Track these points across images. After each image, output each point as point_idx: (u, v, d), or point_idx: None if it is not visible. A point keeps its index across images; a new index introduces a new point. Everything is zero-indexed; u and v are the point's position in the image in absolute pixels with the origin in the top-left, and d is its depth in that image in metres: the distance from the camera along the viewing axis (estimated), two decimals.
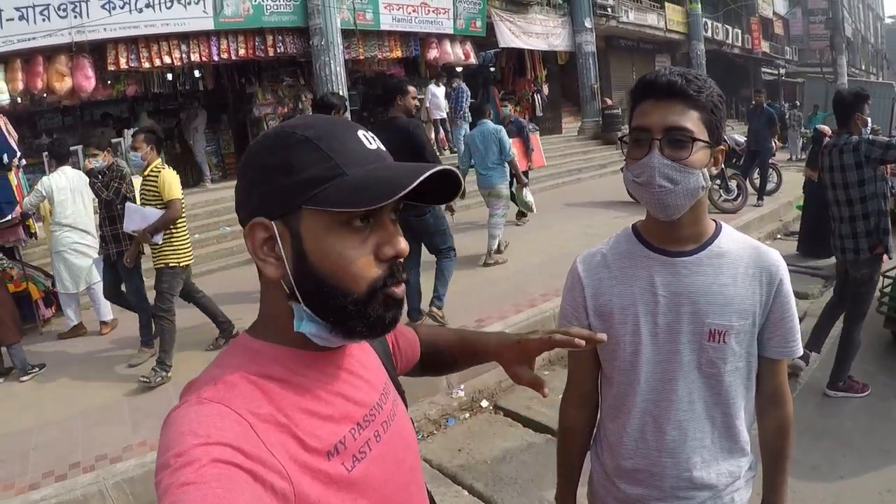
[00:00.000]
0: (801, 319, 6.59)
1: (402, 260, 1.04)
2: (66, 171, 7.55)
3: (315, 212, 0.97)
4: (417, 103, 8.94)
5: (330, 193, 0.96)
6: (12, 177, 7.86)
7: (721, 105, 1.62)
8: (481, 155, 8.93)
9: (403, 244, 1.02)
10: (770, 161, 12.49)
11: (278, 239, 1.00)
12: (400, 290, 1.04)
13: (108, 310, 7.67)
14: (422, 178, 0.93)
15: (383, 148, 1.06)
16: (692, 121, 1.56)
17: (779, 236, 11.19)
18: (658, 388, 1.72)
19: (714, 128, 1.60)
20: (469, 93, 14.67)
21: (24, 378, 6.41)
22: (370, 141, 1.04)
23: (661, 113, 1.56)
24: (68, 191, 7.39)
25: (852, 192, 4.92)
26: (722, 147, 1.66)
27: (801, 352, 1.75)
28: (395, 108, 6.53)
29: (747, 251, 1.71)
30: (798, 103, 30.79)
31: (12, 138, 8.01)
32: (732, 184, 11.48)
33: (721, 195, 11.46)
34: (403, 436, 1.19)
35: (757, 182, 12.41)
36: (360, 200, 0.94)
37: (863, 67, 50.12)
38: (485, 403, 5.61)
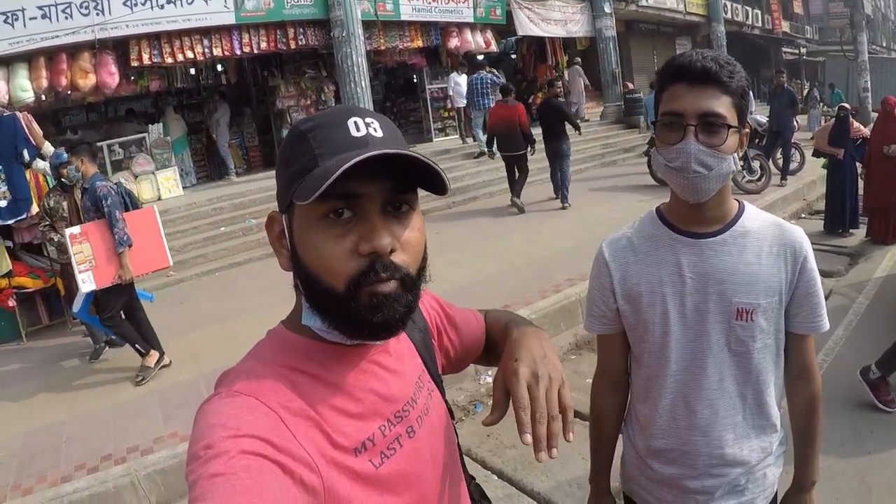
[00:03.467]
0: (826, 298, 6.65)
1: (391, 258, 0.98)
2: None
3: (300, 205, 0.96)
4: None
5: (301, 186, 0.95)
6: (29, 175, 7.96)
7: (748, 89, 1.62)
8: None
9: (384, 240, 0.96)
10: (792, 140, 12.37)
11: (286, 231, 1.03)
12: (386, 287, 0.97)
13: None
14: (345, 167, 0.88)
15: (378, 133, 1.00)
16: (725, 106, 1.56)
17: (803, 215, 11.15)
18: (688, 368, 1.73)
19: (742, 112, 1.61)
20: (497, 81, 14.49)
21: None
22: (360, 127, 0.99)
23: (695, 98, 1.56)
24: None
25: None
26: (747, 130, 1.66)
27: (827, 326, 1.74)
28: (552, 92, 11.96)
29: (771, 229, 1.71)
30: (818, 82, 30.44)
31: (37, 134, 8.08)
32: (756, 164, 11.36)
33: (745, 176, 11.35)
34: (438, 429, 1.18)
35: (780, 162, 12.30)
36: (308, 192, 0.91)
37: (884, 45, 49.23)
38: None
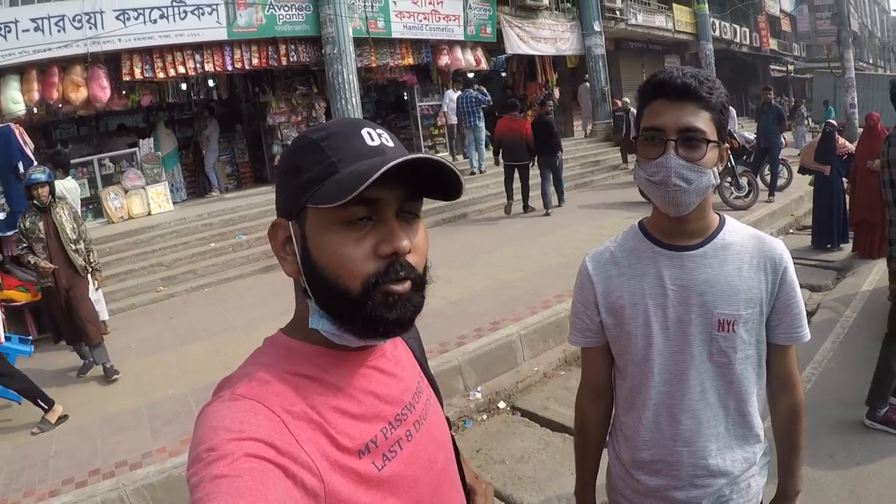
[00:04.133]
0: (813, 312, 6.74)
1: (406, 259, 1.02)
2: (68, 182, 7.66)
3: (316, 210, 0.99)
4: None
5: (322, 191, 0.98)
6: None
7: (728, 105, 1.66)
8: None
9: (404, 242, 1.01)
10: (780, 157, 12.46)
11: (293, 238, 1.05)
12: (401, 287, 1.02)
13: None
14: (384, 170, 0.91)
15: (390, 143, 1.06)
16: (704, 121, 1.59)
17: (791, 231, 11.24)
18: (671, 379, 1.75)
19: (722, 127, 1.65)
20: (482, 98, 14.61)
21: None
22: (374, 137, 1.04)
23: (675, 113, 1.59)
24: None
25: None
26: (727, 145, 1.70)
27: (808, 336, 1.77)
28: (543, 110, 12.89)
29: (751, 241, 1.74)
30: (805, 99, 30.56)
31: (28, 148, 8.09)
32: (743, 181, 11.42)
33: (732, 192, 11.43)
34: (436, 434, 1.20)
35: (768, 178, 12.37)
36: (335, 195, 0.94)
37: (870, 61, 49.77)
38: (502, 405, 5.63)
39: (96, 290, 7.20)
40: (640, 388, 1.80)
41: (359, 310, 1.00)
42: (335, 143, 1.02)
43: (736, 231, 1.76)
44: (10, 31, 10.92)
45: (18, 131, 8.15)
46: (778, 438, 1.89)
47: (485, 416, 5.51)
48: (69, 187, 7.93)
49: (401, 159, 0.93)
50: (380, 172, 0.91)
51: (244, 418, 0.91)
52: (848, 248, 9.33)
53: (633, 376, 1.81)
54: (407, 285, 1.03)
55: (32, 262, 6.42)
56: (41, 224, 6.41)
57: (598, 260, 1.85)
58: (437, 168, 1.01)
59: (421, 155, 0.97)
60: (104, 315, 7.75)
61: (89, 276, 6.79)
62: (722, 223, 1.76)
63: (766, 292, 1.71)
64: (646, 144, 1.65)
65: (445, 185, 1.05)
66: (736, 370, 1.72)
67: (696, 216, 1.69)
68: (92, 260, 6.80)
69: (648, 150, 1.64)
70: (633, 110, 14.05)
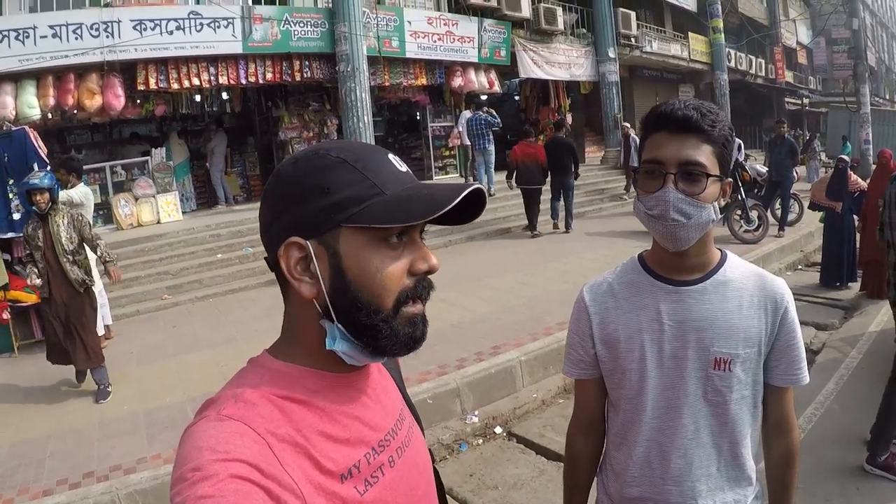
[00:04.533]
0: (818, 351, 6.70)
1: (430, 279, 1.07)
2: (81, 188, 7.70)
3: (354, 229, 0.99)
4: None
5: (371, 211, 0.98)
6: None
7: (731, 138, 1.64)
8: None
9: (435, 260, 1.05)
10: (791, 191, 12.38)
11: (314, 258, 1.01)
12: (418, 308, 1.06)
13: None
14: (463, 195, 0.97)
15: (410, 171, 1.10)
16: (706, 155, 1.57)
17: (800, 267, 11.14)
18: (664, 416, 1.72)
19: (724, 161, 1.61)
20: (491, 121, 14.62)
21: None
22: (400, 164, 1.08)
23: (676, 147, 1.57)
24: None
25: None
26: (729, 180, 1.67)
27: (807, 379, 1.73)
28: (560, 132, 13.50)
29: (752, 279, 1.71)
30: (819, 133, 30.42)
31: (42, 151, 8.15)
32: (753, 214, 11.32)
33: (742, 226, 11.34)
34: (418, 462, 1.20)
35: (778, 213, 12.28)
36: (405, 216, 0.97)
37: (886, 97, 49.45)
38: (498, 430, 5.60)
39: (112, 281, 6.99)
40: (631, 423, 1.77)
41: (388, 327, 1.03)
42: (371, 166, 1.03)
43: (737, 268, 1.73)
44: (28, 37, 11.05)
45: (33, 134, 8.22)
46: (770, 481, 1.86)
47: (480, 441, 5.48)
48: (84, 192, 7.94)
49: (470, 188, 1.00)
50: (460, 198, 0.98)
51: (230, 439, 0.91)
52: (856, 286, 9.21)
53: (626, 411, 1.78)
54: (422, 305, 1.07)
55: (26, 272, 6.30)
56: (40, 232, 6.20)
57: (596, 291, 1.84)
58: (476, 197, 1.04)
59: (476, 185, 1.02)
60: (108, 320, 7.75)
61: (95, 286, 6.66)
62: (723, 259, 1.74)
63: (766, 332, 1.68)
64: (646, 177, 1.63)
65: (470, 211, 1.07)
66: (731, 410, 1.68)
67: (696, 251, 1.66)
68: (101, 254, 6.54)
69: (648, 183, 1.62)
70: (635, 135, 14.08)
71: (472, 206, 1.05)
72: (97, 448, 5.12)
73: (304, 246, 1.01)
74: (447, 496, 4.35)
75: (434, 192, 1.00)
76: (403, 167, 1.07)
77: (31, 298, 7.78)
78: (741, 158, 13.25)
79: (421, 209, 0.97)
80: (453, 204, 0.96)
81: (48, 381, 6.79)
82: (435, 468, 1.34)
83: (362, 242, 1.00)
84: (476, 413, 5.74)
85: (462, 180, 16.39)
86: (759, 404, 1.75)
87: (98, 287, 6.99)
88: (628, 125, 18.13)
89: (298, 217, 1.02)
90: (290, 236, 1.02)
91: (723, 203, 1.66)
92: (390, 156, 1.07)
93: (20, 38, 10.98)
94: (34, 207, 6.19)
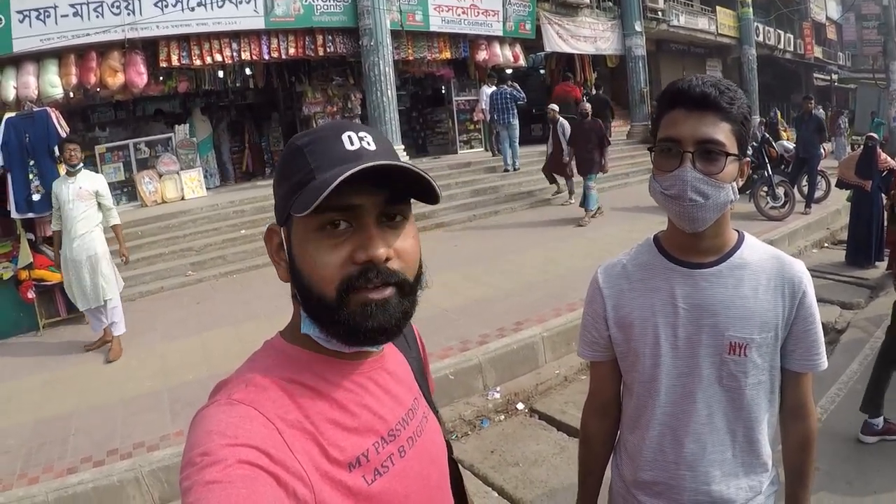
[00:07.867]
0: (843, 331, 6.60)
1: (387, 265, 1.00)
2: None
3: (298, 217, 0.98)
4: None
5: (299, 198, 0.97)
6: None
7: (749, 116, 1.58)
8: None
9: (380, 249, 0.99)
10: (819, 168, 12.18)
11: (284, 243, 1.05)
12: (378, 294, 1.00)
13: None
14: (340, 179, 0.91)
15: (371, 147, 1.03)
16: (724, 133, 1.52)
17: (826, 245, 10.97)
18: (677, 400, 1.68)
19: (743, 140, 1.57)
20: (516, 96, 14.47)
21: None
22: (353, 141, 1.02)
23: (693, 125, 1.52)
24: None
25: None
26: (748, 159, 1.62)
27: (825, 364, 1.68)
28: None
29: (769, 262, 1.66)
30: (847, 110, 29.97)
31: (64, 131, 8.17)
32: (780, 191, 11.18)
33: (768, 202, 11.21)
34: (431, 452, 1.18)
35: (805, 189, 12.09)
36: (307, 203, 0.94)
37: None
38: (520, 406, 5.58)
39: (125, 262, 7.39)
40: (645, 406, 1.74)
41: (335, 316, 1.00)
42: (317, 148, 1.01)
43: (754, 250, 1.68)
44: (49, 16, 11.09)
45: (55, 115, 8.25)
46: (787, 466, 1.82)
47: (502, 417, 5.47)
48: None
49: (355, 168, 0.93)
50: (336, 182, 0.91)
51: (239, 424, 0.91)
52: (883, 266, 9.01)
53: (639, 394, 1.76)
54: (388, 292, 1.01)
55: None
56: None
57: (610, 273, 1.81)
58: (409, 173, 0.99)
59: (384, 162, 0.96)
60: (121, 328, 7.05)
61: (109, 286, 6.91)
62: (741, 241, 1.68)
63: (783, 316, 1.63)
64: (662, 156, 1.58)
65: (424, 190, 1.03)
66: (746, 395, 1.64)
67: (712, 232, 1.61)
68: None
69: (664, 162, 1.57)
70: (564, 121, 12.79)
71: (422, 183, 1.01)
72: (120, 425, 5.17)
73: (279, 232, 1.08)
74: (469, 471, 4.34)
75: (331, 176, 0.94)
76: (355, 145, 1.02)
77: (55, 277, 7.84)
78: (779, 128, 12.95)
79: (307, 198, 0.94)
80: (325, 193, 0.91)
81: (72, 359, 6.86)
82: (452, 458, 1.34)
83: (303, 230, 1.01)
84: (498, 389, 5.73)
85: (488, 154, 16.39)
86: (776, 390, 1.71)
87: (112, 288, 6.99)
88: (555, 108, 13.35)
89: (276, 204, 1.07)
90: (275, 223, 1.08)
91: (741, 183, 1.61)
92: (346, 133, 1.03)
93: (41, 17, 11.02)
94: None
